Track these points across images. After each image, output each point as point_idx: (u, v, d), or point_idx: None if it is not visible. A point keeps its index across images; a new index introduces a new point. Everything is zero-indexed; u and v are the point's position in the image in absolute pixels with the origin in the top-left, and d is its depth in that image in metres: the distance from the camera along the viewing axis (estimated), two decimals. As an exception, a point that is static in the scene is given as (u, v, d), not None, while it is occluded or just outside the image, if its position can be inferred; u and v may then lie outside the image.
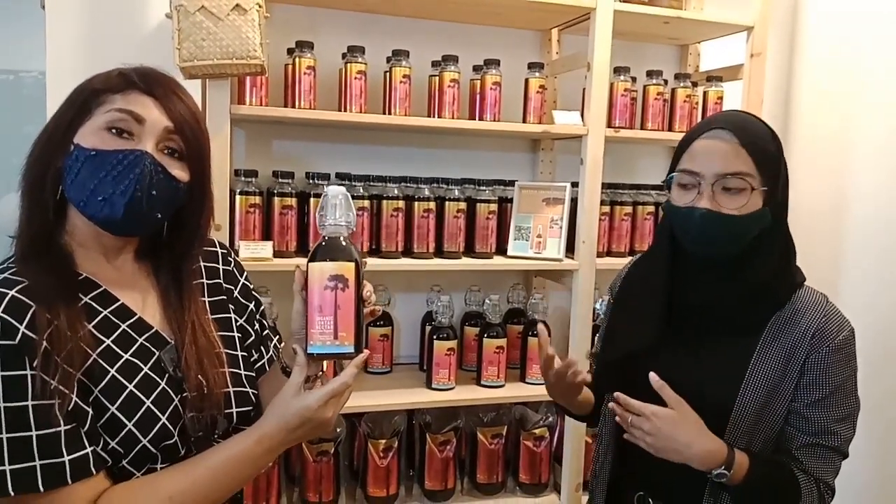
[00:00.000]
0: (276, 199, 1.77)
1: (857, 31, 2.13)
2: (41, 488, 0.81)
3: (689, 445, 1.05)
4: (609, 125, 1.97)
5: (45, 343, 0.84)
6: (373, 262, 1.81)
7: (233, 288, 1.11)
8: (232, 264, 1.14)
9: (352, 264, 0.91)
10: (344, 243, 0.92)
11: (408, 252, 1.88)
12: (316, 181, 1.83)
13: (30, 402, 0.82)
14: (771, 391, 1.10)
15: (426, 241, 1.87)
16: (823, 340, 1.10)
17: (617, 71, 2.01)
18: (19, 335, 0.82)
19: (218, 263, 1.11)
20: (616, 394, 1.11)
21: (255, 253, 1.69)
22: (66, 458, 0.83)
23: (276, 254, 1.74)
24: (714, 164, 1.07)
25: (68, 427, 0.84)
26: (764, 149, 1.09)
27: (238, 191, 1.73)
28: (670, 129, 2.10)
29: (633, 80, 2.07)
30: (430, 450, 1.96)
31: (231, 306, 1.09)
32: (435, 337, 1.91)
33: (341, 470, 1.93)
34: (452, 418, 2.03)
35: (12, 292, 0.85)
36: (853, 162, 2.14)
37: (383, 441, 1.91)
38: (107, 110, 0.91)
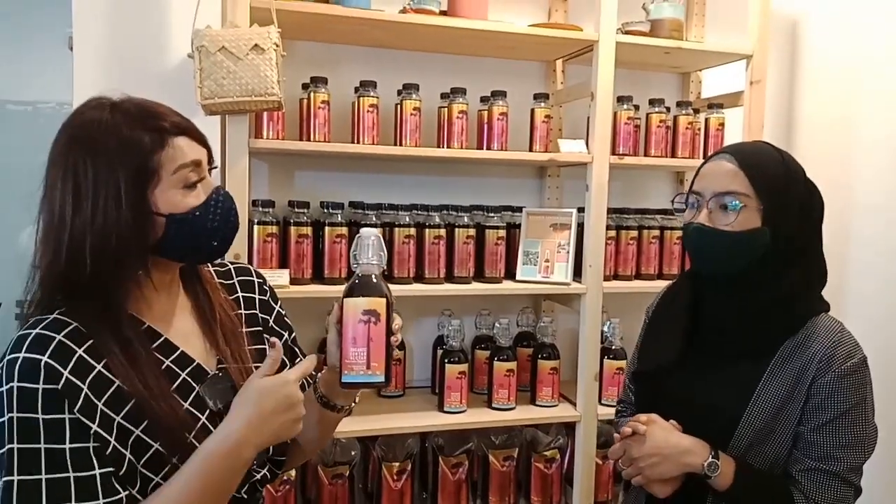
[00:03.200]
0: (293, 229, 1.83)
1: (855, 58, 2.19)
2: None
3: (677, 444, 1.15)
4: (613, 152, 2.03)
5: (87, 389, 0.87)
6: (385, 288, 1.86)
7: (268, 318, 1.15)
8: (268, 293, 1.17)
9: (383, 300, 0.98)
10: (375, 280, 0.99)
11: (419, 278, 1.94)
12: (330, 210, 1.89)
13: (67, 446, 0.85)
14: (777, 412, 1.13)
15: (437, 267, 1.93)
16: (831, 365, 1.11)
17: (620, 100, 2.08)
18: (62, 380, 0.85)
19: (254, 293, 1.14)
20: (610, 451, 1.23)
21: (272, 281, 1.72)
22: (102, 501, 0.85)
23: (293, 281, 1.80)
24: (712, 183, 1.16)
25: (104, 471, 0.86)
26: (763, 171, 1.14)
27: (256, 221, 1.79)
28: (673, 155, 2.16)
29: (636, 108, 2.14)
30: (443, 472, 2.00)
31: (266, 336, 1.11)
32: (446, 360, 1.96)
33: (356, 493, 1.97)
34: (464, 441, 2.06)
35: (59, 336, 0.88)
36: (855, 183, 2.19)
37: (397, 464, 1.95)
38: (174, 170, 0.93)
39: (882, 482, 1.96)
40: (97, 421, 0.87)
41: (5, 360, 0.87)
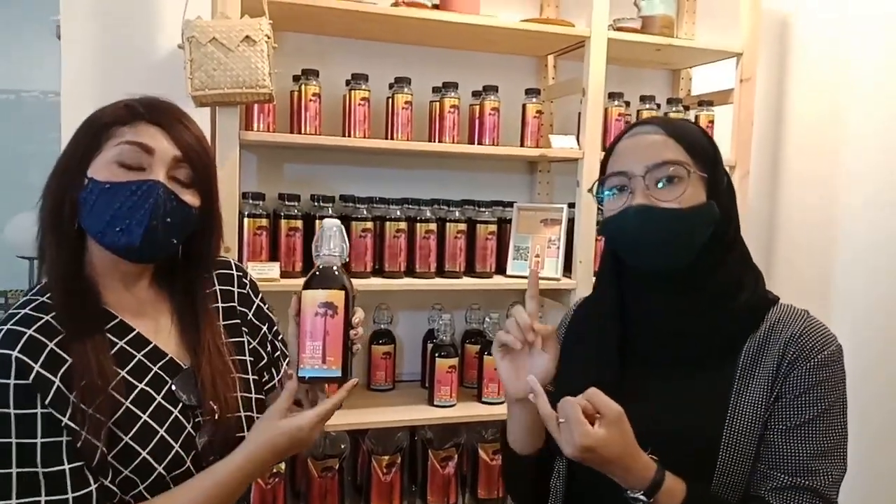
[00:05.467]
0: (283, 222, 1.83)
1: (845, 55, 2.21)
2: None
3: (620, 458, 0.87)
4: (604, 149, 2.04)
5: (58, 382, 0.87)
6: (376, 282, 1.86)
7: (247, 311, 1.14)
8: (247, 286, 1.16)
9: (342, 292, 0.96)
10: (336, 272, 0.97)
11: (410, 272, 1.94)
12: (321, 203, 1.89)
13: (39, 440, 0.86)
14: (763, 420, 0.94)
15: (428, 262, 1.93)
16: (806, 355, 0.93)
17: (611, 96, 2.08)
18: (33, 374, 0.86)
19: (233, 286, 1.13)
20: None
21: (262, 274, 1.74)
22: (70, 496, 0.87)
23: (283, 274, 1.80)
24: (642, 157, 0.95)
25: (74, 465, 0.87)
26: (694, 140, 0.98)
27: (246, 213, 1.79)
28: (664, 151, 2.17)
29: (627, 104, 2.14)
30: (433, 465, 2.00)
31: (245, 329, 1.12)
32: (437, 355, 1.96)
33: (345, 485, 1.97)
34: (454, 434, 2.07)
35: (30, 331, 0.89)
36: (843, 179, 2.21)
37: (386, 457, 1.95)
38: (117, 143, 0.94)
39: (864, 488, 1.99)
40: (68, 413, 0.88)
41: None
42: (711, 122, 2.19)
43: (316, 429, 0.96)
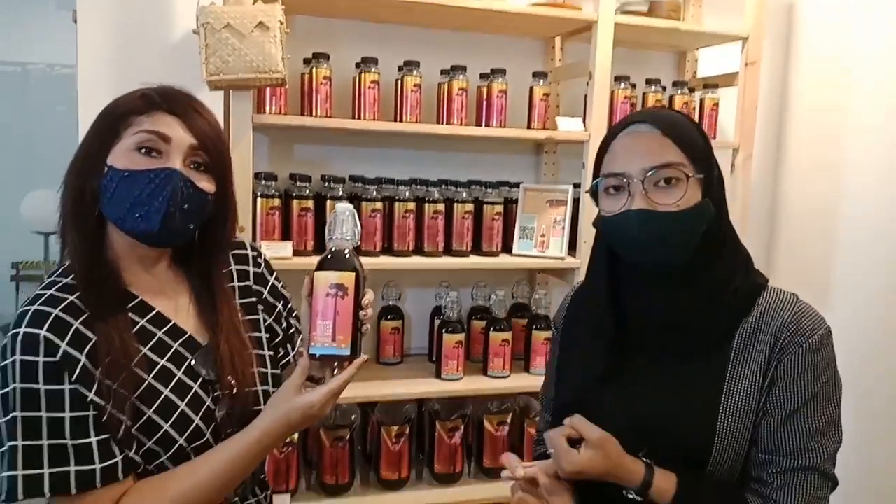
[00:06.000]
0: (295, 202, 1.88)
1: (850, 41, 2.23)
2: (73, 491, 0.91)
3: (608, 473, 0.97)
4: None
5: (84, 359, 0.93)
6: (385, 261, 1.93)
7: (262, 289, 1.19)
8: (262, 266, 1.21)
9: (352, 274, 0.99)
10: (347, 255, 1.01)
11: (418, 251, 2.00)
12: (331, 184, 1.94)
13: (67, 414, 0.91)
14: (755, 409, 0.98)
15: (436, 241, 1.99)
16: (798, 340, 0.96)
17: (617, 79, 2.11)
18: (60, 352, 0.91)
19: (248, 266, 1.18)
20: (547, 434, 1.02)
21: (275, 253, 1.81)
22: (98, 466, 0.92)
23: (296, 253, 1.86)
24: (639, 159, 0.96)
25: (100, 438, 0.93)
26: (689, 137, 0.99)
27: (259, 193, 1.84)
28: (668, 133, 2.20)
29: (633, 86, 2.17)
30: (440, 436, 2.08)
31: (260, 307, 1.17)
32: (444, 330, 2.03)
33: (356, 455, 2.05)
34: (460, 406, 2.14)
35: (56, 311, 0.93)
36: (846, 166, 2.24)
37: (395, 427, 2.03)
38: (135, 132, 0.97)
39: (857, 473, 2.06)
40: (94, 389, 0.93)
41: (8, 335, 0.93)
42: (716, 104, 2.22)
43: (328, 404, 1.01)
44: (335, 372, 1.02)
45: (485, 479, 2.13)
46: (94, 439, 0.92)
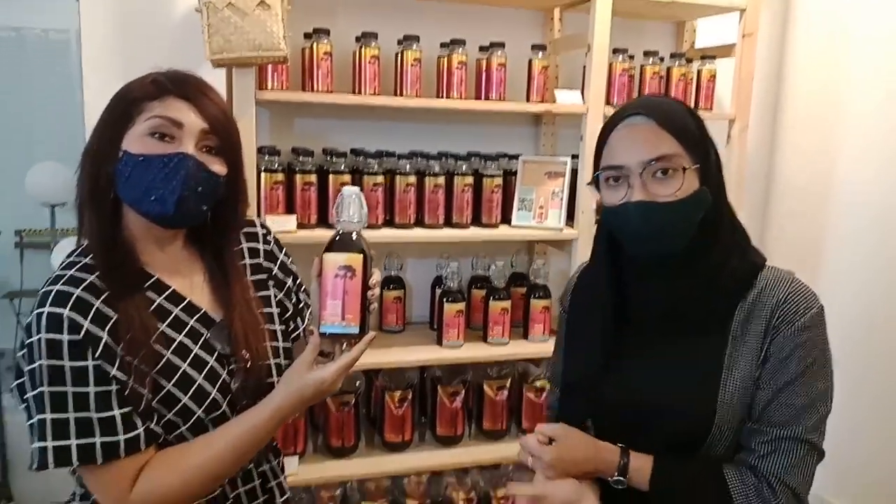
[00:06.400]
0: (298, 177, 1.92)
1: (847, 13, 2.23)
2: (99, 461, 0.96)
3: (587, 461, 1.06)
4: (608, 103, 2.10)
5: (106, 337, 0.97)
6: (387, 234, 1.98)
7: (272, 266, 1.23)
8: (272, 243, 1.25)
9: (360, 256, 1.03)
10: (355, 237, 1.04)
11: (420, 223, 2.04)
12: (333, 159, 1.97)
13: (91, 389, 0.96)
14: (753, 386, 1.02)
15: (436, 214, 2.03)
16: (791, 318, 1.00)
17: (616, 52, 2.13)
18: (83, 331, 0.96)
19: (258, 244, 1.22)
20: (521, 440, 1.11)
21: (280, 226, 1.84)
22: (122, 437, 0.97)
23: (300, 226, 1.90)
24: (636, 152, 0.99)
25: (124, 411, 0.98)
26: (684, 126, 1.01)
27: (263, 168, 1.88)
28: (665, 104, 2.23)
29: (631, 58, 2.19)
30: (441, 400, 2.16)
31: (271, 283, 1.22)
32: (445, 300, 2.09)
33: (361, 419, 2.13)
34: (461, 372, 2.22)
35: (78, 291, 0.98)
36: (841, 141, 2.26)
37: (398, 393, 2.10)
38: (147, 117, 1.00)
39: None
40: (116, 365, 0.97)
41: (33, 314, 0.96)
42: (713, 75, 2.24)
43: (338, 379, 1.06)
44: (344, 348, 1.06)
45: (485, 441, 2.22)
46: (117, 412, 0.97)
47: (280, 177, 1.90)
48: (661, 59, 2.21)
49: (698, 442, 1.03)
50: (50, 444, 0.95)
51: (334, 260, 1.02)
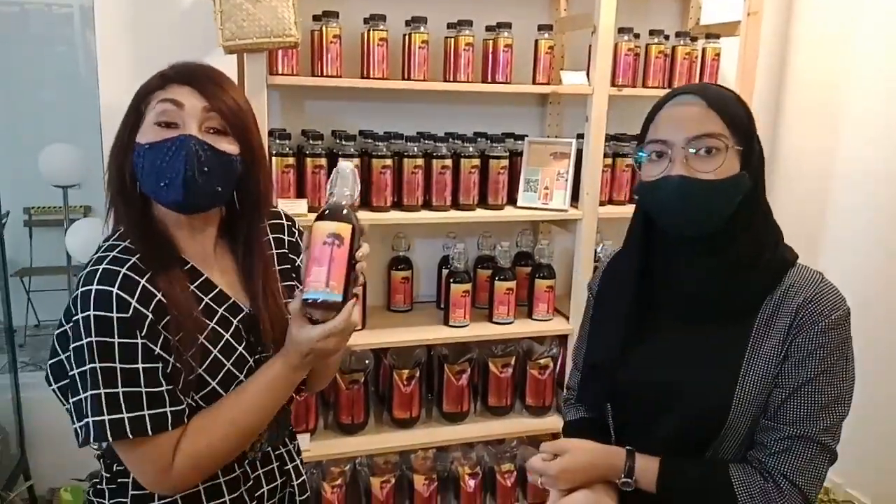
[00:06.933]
0: (308, 160, 1.94)
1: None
2: (150, 433, 0.98)
3: (594, 467, 1.09)
4: (613, 83, 2.11)
5: (150, 316, 0.99)
6: (395, 216, 2.00)
7: (296, 258, 1.25)
8: (296, 235, 1.26)
9: (349, 226, 1.02)
10: (345, 210, 1.03)
11: (427, 205, 2.07)
12: (342, 142, 1.99)
13: (140, 366, 0.98)
14: (771, 383, 1.03)
15: (444, 196, 2.06)
16: (814, 319, 1.01)
17: (621, 31, 2.13)
18: (132, 309, 0.98)
19: (283, 235, 1.24)
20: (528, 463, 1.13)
21: (291, 210, 1.86)
22: (168, 410, 1.00)
23: (311, 209, 1.93)
24: (682, 128, 1.01)
25: (169, 387, 1.01)
26: (733, 110, 1.02)
27: (274, 152, 1.90)
28: (670, 84, 2.24)
29: (637, 36, 2.19)
30: (448, 378, 2.21)
31: (294, 274, 1.24)
32: (452, 281, 2.13)
33: (370, 396, 2.19)
34: (467, 350, 2.27)
35: (124, 270, 1.00)
36: (845, 120, 2.28)
37: (406, 371, 2.15)
38: (153, 106, 1.03)
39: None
40: (159, 344, 1.00)
41: (79, 292, 0.98)
42: (718, 54, 2.25)
43: (329, 341, 1.02)
44: (333, 317, 1.06)
45: (490, 417, 2.28)
46: (164, 388, 1.00)
47: (290, 161, 1.92)
48: (667, 38, 2.22)
49: (712, 433, 1.04)
50: (107, 417, 0.96)
51: (323, 228, 1.02)
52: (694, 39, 2.27)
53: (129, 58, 1.86)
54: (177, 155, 1.00)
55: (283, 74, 1.88)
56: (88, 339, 0.96)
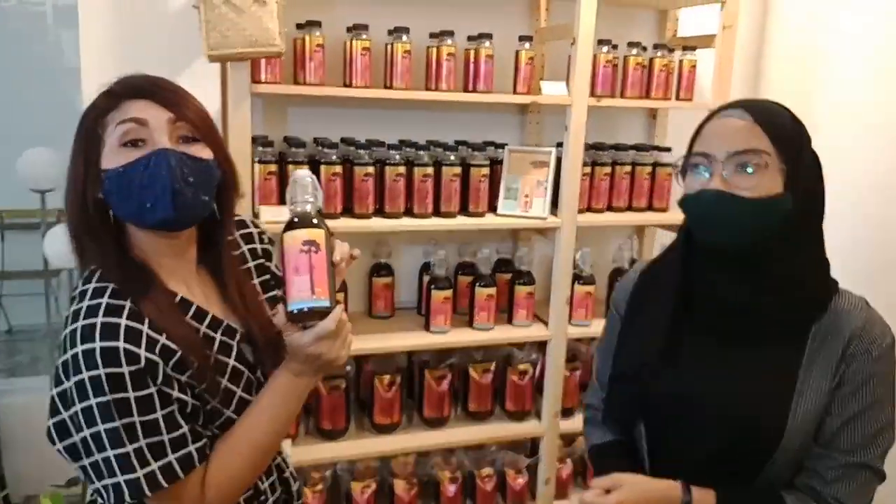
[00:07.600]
0: (290, 167, 1.95)
1: (824, 7, 2.29)
2: (181, 476, 0.97)
3: (648, 501, 1.06)
4: (592, 94, 2.15)
5: (160, 361, 0.96)
6: (377, 223, 2.02)
7: (271, 265, 1.24)
8: (267, 241, 1.24)
9: (322, 231, 0.99)
10: (314, 217, 1.00)
11: (409, 212, 2.09)
12: (324, 149, 2.00)
13: (158, 414, 0.95)
14: (823, 409, 1.03)
15: (425, 203, 2.07)
16: (867, 347, 1.02)
17: (600, 43, 2.17)
18: (143, 359, 0.94)
19: (256, 244, 1.22)
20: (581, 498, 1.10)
21: (275, 217, 1.88)
22: (192, 448, 0.98)
23: (292, 217, 1.94)
24: (725, 142, 1.00)
25: (188, 425, 0.99)
26: (781, 126, 1.01)
27: (256, 159, 1.90)
28: (647, 95, 2.28)
29: (615, 47, 2.23)
30: (429, 383, 2.23)
31: (272, 282, 1.23)
32: (433, 287, 2.15)
33: (351, 402, 2.19)
34: (448, 356, 2.29)
35: (124, 321, 0.95)
36: (817, 131, 2.33)
37: (387, 376, 2.16)
38: (113, 129, 0.97)
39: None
40: (176, 387, 0.98)
41: (80, 350, 0.93)
42: (694, 66, 2.30)
43: (321, 346, 0.99)
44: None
45: (470, 422, 2.30)
46: (184, 429, 0.98)
47: (273, 167, 1.93)
48: (645, 49, 2.26)
49: (762, 454, 1.04)
50: (140, 474, 0.94)
51: (297, 236, 0.98)
52: (671, 51, 2.31)
53: (113, 65, 1.85)
54: (157, 171, 0.96)
55: (266, 83, 1.88)
56: (102, 399, 0.92)
